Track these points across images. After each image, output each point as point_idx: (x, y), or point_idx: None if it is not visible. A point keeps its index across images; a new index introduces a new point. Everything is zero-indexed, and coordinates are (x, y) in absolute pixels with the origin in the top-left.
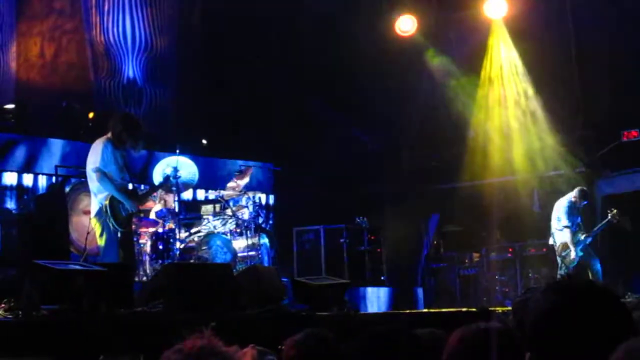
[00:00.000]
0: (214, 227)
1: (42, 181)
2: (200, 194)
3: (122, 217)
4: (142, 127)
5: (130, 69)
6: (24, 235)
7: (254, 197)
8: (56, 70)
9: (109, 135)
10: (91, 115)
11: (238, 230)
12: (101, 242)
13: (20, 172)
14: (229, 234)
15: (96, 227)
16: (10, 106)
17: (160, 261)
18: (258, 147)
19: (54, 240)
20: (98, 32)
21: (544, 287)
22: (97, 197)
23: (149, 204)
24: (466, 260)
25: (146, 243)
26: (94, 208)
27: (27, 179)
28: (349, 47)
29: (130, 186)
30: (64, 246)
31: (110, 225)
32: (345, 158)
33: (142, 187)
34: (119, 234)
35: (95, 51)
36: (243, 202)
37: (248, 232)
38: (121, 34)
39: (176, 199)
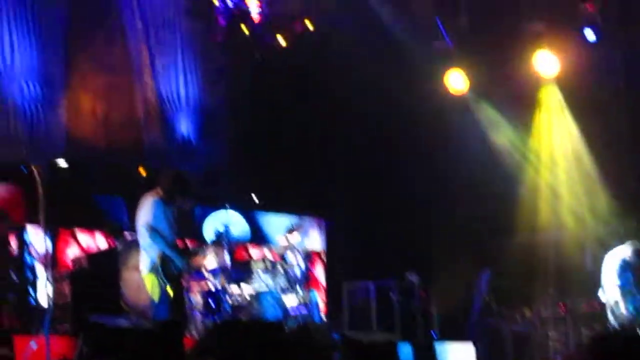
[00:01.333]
0: (265, 283)
1: (95, 238)
2: (251, 250)
3: (173, 273)
4: (191, 184)
5: (183, 126)
6: (77, 291)
7: (304, 253)
8: (107, 127)
9: (159, 191)
10: (142, 171)
11: (289, 286)
12: (152, 298)
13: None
14: (279, 291)
15: (147, 283)
16: (62, 162)
17: (211, 317)
18: (308, 201)
19: (106, 296)
20: (151, 90)
21: (590, 342)
22: (148, 253)
23: (200, 260)
24: (518, 316)
25: (197, 299)
26: (145, 264)
27: (80, 236)
28: (400, 103)
29: (181, 243)
30: (116, 303)
31: (161, 281)
32: (396, 212)
33: (192, 243)
34: (170, 291)
35: (147, 108)
36: (293, 258)
37: (299, 288)
38: (174, 91)
39: (227, 255)
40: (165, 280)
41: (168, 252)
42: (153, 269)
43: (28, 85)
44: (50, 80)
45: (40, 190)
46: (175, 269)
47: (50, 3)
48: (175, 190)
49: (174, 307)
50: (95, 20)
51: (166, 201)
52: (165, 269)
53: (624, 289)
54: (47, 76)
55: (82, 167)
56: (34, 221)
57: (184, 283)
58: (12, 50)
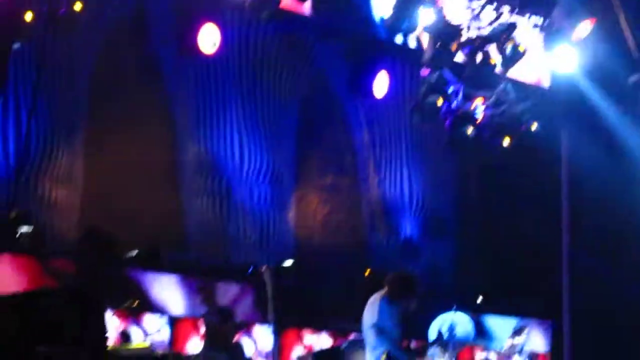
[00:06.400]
0: None
1: (323, 338)
2: (476, 352)
3: None
4: (417, 286)
5: (408, 227)
6: None
7: (530, 356)
8: (333, 227)
9: (386, 292)
10: (368, 272)
11: None
12: None
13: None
14: None
15: None
16: (289, 263)
17: None
18: (534, 304)
19: None
20: (376, 191)
21: None
22: (374, 352)
23: None
24: None
25: None
26: None
27: (306, 335)
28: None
29: (405, 343)
30: None
31: None
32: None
33: (416, 344)
34: None
35: (371, 209)
36: None
37: None
38: (399, 192)
39: (452, 356)
40: None
41: (394, 351)
42: None
43: (258, 187)
44: (280, 181)
45: (268, 290)
46: None
47: (281, 104)
48: (402, 292)
49: None
50: (323, 121)
51: (392, 301)
52: None
53: None
54: (277, 177)
55: (309, 268)
56: (262, 321)
57: None
58: (242, 151)
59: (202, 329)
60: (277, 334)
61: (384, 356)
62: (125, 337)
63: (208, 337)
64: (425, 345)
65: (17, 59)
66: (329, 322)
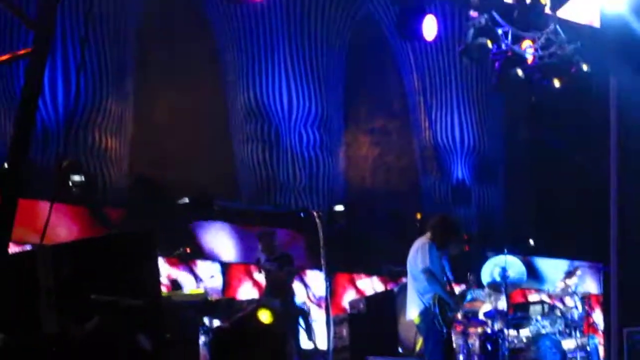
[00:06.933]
0: (543, 327)
1: (370, 281)
2: (529, 294)
3: (448, 317)
4: (462, 231)
5: (459, 170)
6: (355, 333)
7: (583, 297)
8: (384, 171)
9: (430, 236)
10: (419, 216)
11: (567, 330)
12: (423, 343)
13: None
14: (558, 335)
15: (420, 327)
16: (340, 208)
17: None
18: (586, 246)
19: (383, 338)
20: (427, 135)
21: None
22: (423, 297)
23: (477, 303)
24: None
25: (474, 343)
26: (417, 308)
27: (358, 280)
28: None
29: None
30: (393, 344)
31: (437, 325)
32: None
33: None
34: (444, 334)
35: (423, 153)
36: (572, 302)
37: (577, 332)
38: (450, 135)
39: (504, 299)
40: (442, 324)
41: (444, 295)
42: (428, 313)
43: (307, 132)
44: (329, 126)
45: (320, 235)
46: (450, 313)
47: (328, 49)
48: (447, 236)
49: (448, 350)
50: (371, 66)
51: (438, 246)
52: (442, 312)
53: None
54: (326, 122)
55: (360, 212)
56: (314, 266)
57: (461, 327)
58: (290, 98)
59: (261, 275)
60: (329, 279)
61: (434, 300)
62: (175, 284)
63: (267, 283)
64: (465, 291)
65: (64, 12)
66: (381, 266)
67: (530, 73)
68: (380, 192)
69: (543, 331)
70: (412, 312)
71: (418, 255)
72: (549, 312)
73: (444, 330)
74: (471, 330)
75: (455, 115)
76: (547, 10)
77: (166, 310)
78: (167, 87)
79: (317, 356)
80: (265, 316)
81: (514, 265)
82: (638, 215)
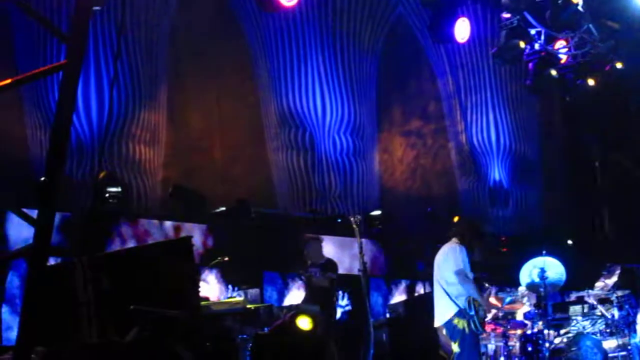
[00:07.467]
0: (583, 327)
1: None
2: (569, 295)
3: (482, 319)
4: (484, 233)
5: (496, 171)
6: (393, 338)
7: (623, 297)
8: (417, 175)
9: (459, 240)
10: (456, 219)
11: (608, 330)
12: (456, 346)
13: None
14: (598, 335)
15: (455, 330)
16: (377, 213)
17: None
18: (623, 246)
19: (421, 343)
20: (463, 137)
21: None
22: (457, 299)
23: (517, 305)
24: None
25: (515, 345)
26: (451, 311)
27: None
28: None
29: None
30: (430, 350)
31: (473, 327)
32: None
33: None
34: (478, 337)
35: (460, 155)
36: (612, 301)
37: (618, 332)
38: (485, 137)
39: (544, 299)
40: (477, 325)
41: (477, 297)
42: (463, 315)
43: (341, 139)
44: (363, 132)
45: (358, 240)
46: (483, 314)
47: (361, 55)
48: (474, 240)
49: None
50: (405, 69)
51: (467, 249)
52: (477, 313)
53: None
54: (359, 128)
55: (396, 216)
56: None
57: (501, 329)
58: (324, 105)
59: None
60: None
61: (469, 302)
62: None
63: (308, 291)
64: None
65: (96, 26)
66: (419, 270)
67: (564, 73)
68: (416, 195)
69: (583, 331)
70: (444, 316)
71: (449, 259)
72: (589, 312)
73: (480, 332)
74: (511, 332)
75: (491, 117)
76: (580, 8)
77: (206, 320)
78: (199, 95)
79: None
80: (304, 322)
81: (553, 266)
82: None
